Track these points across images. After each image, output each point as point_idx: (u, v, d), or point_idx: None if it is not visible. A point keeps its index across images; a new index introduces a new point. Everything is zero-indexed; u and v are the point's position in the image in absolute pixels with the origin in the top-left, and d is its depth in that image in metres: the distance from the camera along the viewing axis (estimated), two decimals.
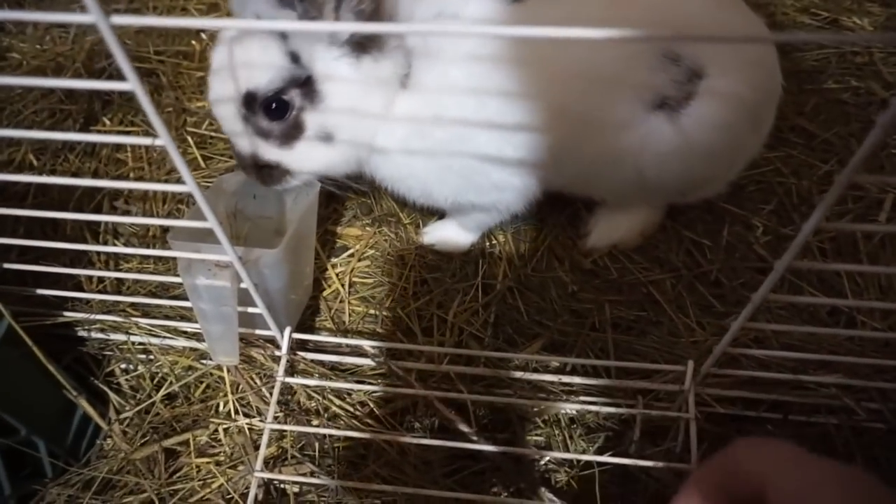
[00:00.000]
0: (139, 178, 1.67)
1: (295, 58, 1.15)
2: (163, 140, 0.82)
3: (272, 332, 1.26)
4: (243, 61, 1.15)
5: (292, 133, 1.20)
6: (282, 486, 1.28)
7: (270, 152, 1.22)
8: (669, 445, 1.33)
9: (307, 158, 1.24)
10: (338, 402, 1.36)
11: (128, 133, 1.72)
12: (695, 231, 1.60)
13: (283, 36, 1.14)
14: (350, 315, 1.51)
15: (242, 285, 1.12)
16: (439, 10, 1.21)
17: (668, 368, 1.26)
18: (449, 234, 1.60)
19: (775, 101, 1.41)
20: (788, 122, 1.75)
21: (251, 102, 1.16)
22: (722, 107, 1.26)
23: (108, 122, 1.73)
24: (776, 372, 1.25)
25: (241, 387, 1.35)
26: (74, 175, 1.62)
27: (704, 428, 1.33)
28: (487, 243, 1.63)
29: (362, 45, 1.16)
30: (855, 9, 2.11)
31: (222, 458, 1.31)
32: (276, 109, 1.17)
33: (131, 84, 0.74)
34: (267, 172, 1.25)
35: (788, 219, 1.58)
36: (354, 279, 1.57)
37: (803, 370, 1.24)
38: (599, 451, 1.35)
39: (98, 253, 1.48)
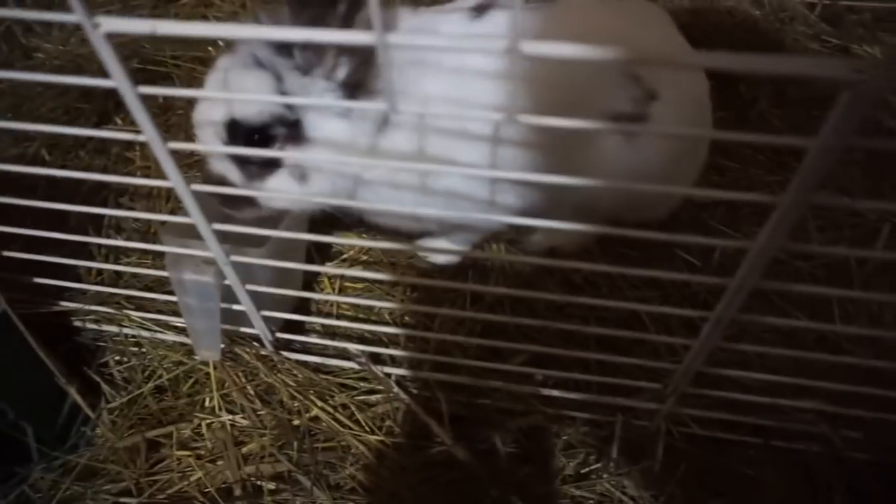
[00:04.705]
0: (146, 176, 1.72)
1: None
2: (146, 136, 0.86)
3: (257, 329, 1.29)
4: (235, 90, 1.17)
5: (268, 166, 1.21)
6: (257, 483, 1.30)
7: (243, 180, 1.23)
8: (648, 464, 1.33)
9: (277, 192, 1.24)
10: (320, 403, 1.38)
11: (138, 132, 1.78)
12: (687, 251, 1.60)
13: (279, 77, 1.16)
14: (339, 318, 1.54)
15: (227, 282, 1.15)
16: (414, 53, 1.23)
17: (644, 386, 1.26)
18: (440, 248, 1.63)
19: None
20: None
21: (234, 129, 1.18)
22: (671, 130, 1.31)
23: (119, 122, 1.80)
24: (758, 396, 1.25)
25: (226, 383, 1.38)
26: (84, 171, 1.67)
27: (685, 450, 1.33)
28: (480, 251, 1.65)
29: (353, 90, 1.19)
30: (867, 37, 2.11)
31: (203, 453, 1.33)
32: (259, 141, 1.18)
33: (116, 81, 0.78)
34: (231, 197, 1.25)
35: None
36: (346, 283, 1.60)
37: (782, 395, 1.23)
38: (578, 467, 1.35)
39: (99, 246, 1.53)
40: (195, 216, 0.98)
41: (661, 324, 1.48)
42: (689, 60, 0.59)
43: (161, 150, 0.87)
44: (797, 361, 1.26)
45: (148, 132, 0.84)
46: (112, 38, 0.73)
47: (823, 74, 0.55)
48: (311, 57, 1.15)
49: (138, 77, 1.82)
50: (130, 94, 0.78)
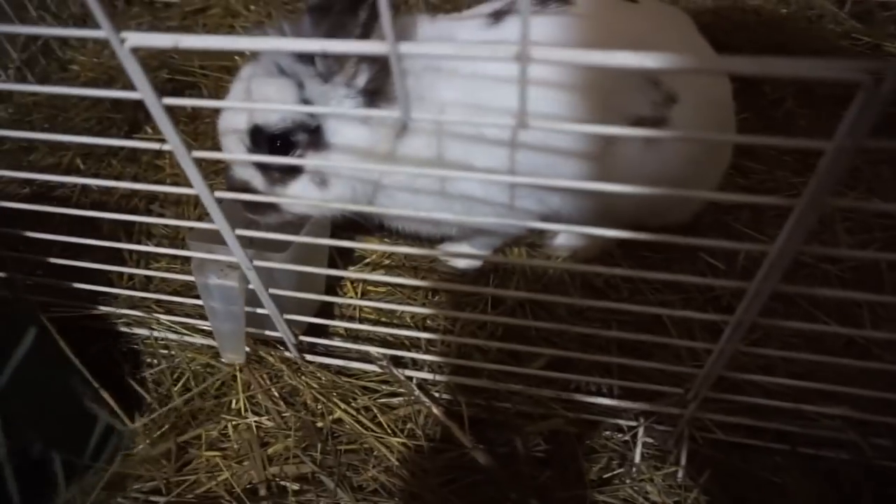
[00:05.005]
0: (175, 183, 1.76)
1: (308, 105, 1.20)
2: (170, 144, 0.89)
3: (281, 333, 1.31)
4: (258, 97, 1.20)
5: (290, 172, 1.24)
6: (282, 483, 1.32)
7: (265, 186, 1.26)
8: (671, 470, 1.31)
9: (298, 198, 1.27)
10: (343, 405, 1.40)
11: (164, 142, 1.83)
12: (710, 254, 1.58)
13: (301, 84, 1.20)
14: (361, 322, 1.56)
15: (251, 286, 1.18)
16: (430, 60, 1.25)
17: (666, 390, 1.25)
18: (461, 252, 1.64)
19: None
20: None
21: (257, 135, 1.21)
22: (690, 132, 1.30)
23: (150, 130, 1.85)
24: (782, 401, 1.22)
25: (252, 386, 1.41)
26: (116, 179, 1.73)
27: (709, 455, 1.31)
28: (501, 256, 1.65)
29: (373, 96, 1.21)
30: None
31: (229, 454, 1.36)
32: (281, 147, 1.22)
33: (142, 94, 0.81)
34: (255, 202, 1.28)
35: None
36: (368, 287, 1.62)
37: (808, 400, 1.21)
38: (600, 472, 1.34)
39: (130, 252, 1.58)
40: (219, 222, 1.01)
41: (683, 327, 1.46)
42: (692, 64, 0.59)
43: (185, 159, 0.89)
44: (824, 366, 1.24)
45: (172, 141, 0.87)
46: (137, 51, 0.75)
47: (834, 76, 0.55)
48: (331, 64, 1.18)
49: (167, 87, 1.88)
50: (155, 105, 0.81)
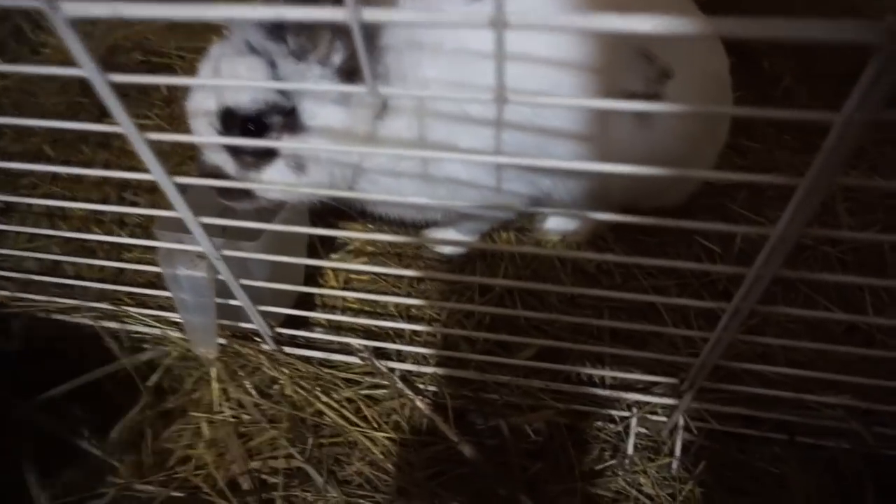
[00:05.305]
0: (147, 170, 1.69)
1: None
2: (122, 127, 0.82)
3: (256, 325, 1.25)
4: (227, 77, 1.12)
5: (265, 156, 1.16)
6: (265, 477, 1.27)
7: (238, 171, 1.18)
8: (665, 461, 1.27)
9: (274, 183, 1.18)
10: (325, 398, 1.35)
11: (142, 127, 1.75)
12: (706, 237, 1.52)
13: (272, 63, 1.11)
14: (343, 311, 1.50)
15: (221, 277, 1.12)
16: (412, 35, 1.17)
17: (659, 380, 1.20)
18: (447, 238, 1.58)
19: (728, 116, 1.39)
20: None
21: (228, 119, 1.13)
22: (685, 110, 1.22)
23: None
24: (781, 391, 1.18)
25: (229, 379, 1.35)
26: (86, 165, 1.66)
27: (704, 446, 1.27)
28: (489, 242, 1.59)
29: (350, 76, 1.13)
30: None
31: (209, 448, 1.31)
32: (254, 130, 1.13)
33: (86, 70, 0.74)
34: (228, 188, 1.20)
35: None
36: (351, 276, 1.56)
37: (809, 389, 1.16)
38: (592, 464, 1.30)
39: (100, 243, 1.51)
40: (181, 210, 0.94)
41: (678, 313, 1.41)
42: (686, 29, 0.53)
43: (138, 142, 0.83)
44: (825, 353, 1.19)
45: (123, 123, 0.80)
46: (90, 25, 0.68)
47: (849, 38, 0.48)
48: (304, 42, 1.10)
49: (140, 69, 1.78)
50: (100, 83, 0.74)
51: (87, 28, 2.12)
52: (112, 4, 0.65)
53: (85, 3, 0.66)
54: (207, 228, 1.01)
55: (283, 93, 1.13)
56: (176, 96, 1.85)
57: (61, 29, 0.68)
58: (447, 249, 1.58)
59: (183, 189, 0.95)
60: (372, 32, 1.18)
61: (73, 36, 0.68)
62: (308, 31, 1.09)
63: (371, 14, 0.59)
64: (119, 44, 1.95)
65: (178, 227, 1.16)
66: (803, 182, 0.64)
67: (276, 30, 1.11)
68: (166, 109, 1.84)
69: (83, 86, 1.83)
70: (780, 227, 0.71)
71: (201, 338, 1.20)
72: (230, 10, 0.67)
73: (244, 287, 1.15)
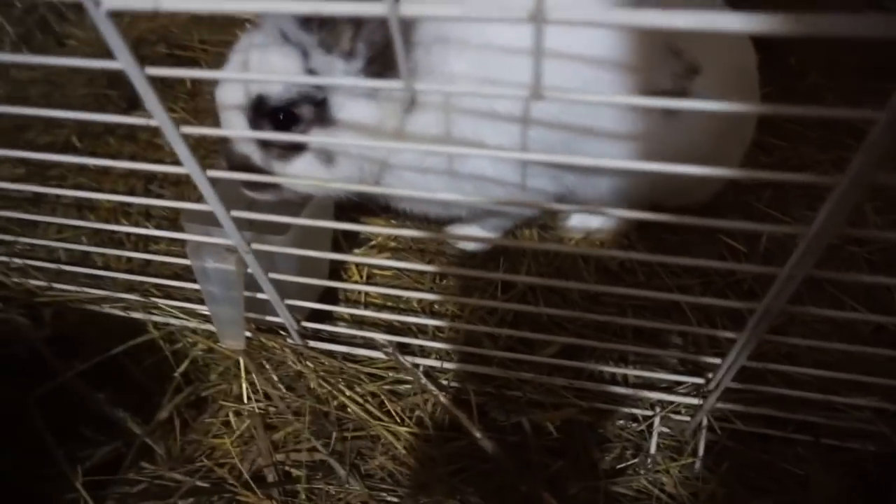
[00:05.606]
0: (174, 162, 1.71)
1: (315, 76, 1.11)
2: (157, 120, 0.83)
3: (282, 318, 1.26)
4: (260, 66, 1.12)
5: (294, 148, 1.16)
6: (289, 469, 1.28)
7: (266, 162, 1.18)
8: (688, 461, 1.26)
9: (303, 176, 1.19)
10: (348, 392, 1.35)
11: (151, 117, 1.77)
12: (731, 236, 1.51)
13: (305, 53, 1.11)
14: (367, 306, 1.50)
15: (250, 270, 1.13)
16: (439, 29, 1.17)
17: (684, 380, 1.19)
18: (470, 234, 1.58)
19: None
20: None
21: (260, 107, 1.13)
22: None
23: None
24: (807, 391, 1.16)
25: (255, 371, 1.37)
26: (113, 157, 1.68)
27: (727, 446, 1.26)
28: (512, 239, 1.59)
29: (381, 71, 1.13)
30: None
31: (235, 440, 1.32)
32: (284, 120, 1.13)
33: (123, 63, 0.75)
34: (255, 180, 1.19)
35: None
36: (374, 271, 1.56)
37: (835, 390, 1.14)
38: (614, 462, 1.29)
39: (128, 234, 1.53)
40: (213, 203, 0.95)
41: (702, 313, 1.40)
42: (725, 24, 0.52)
43: (173, 135, 0.84)
44: (852, 354, 1.18)
45: (158, 116, 0.81)
46: (116, 17, 0.69)
47: (879, 34, 0.48)
48: (326, 35, 1.10)
49: (165, 62, 1.79)
50: (138, 76, 0.75)
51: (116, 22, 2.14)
52: None
53: None
54: (236, 221, 1.02)
55: (316, 84, 1.13)
56: (201, 89, 1.86)
57: (101, 22, 0.69)
58: (470, 246, 1.58)
59: (214, 182, 0.96)
60: (403, 28, 1.18)
61: (112, 29, 0.69)
62: (329, 25, 1.09)
63: (409, 8, 0.60)
64: (144, 37, 1.97)
65: (205, 219, 1.17)
66: (842, 180, 0.64)
67: (308, 20, 1.11)
68: (191, 103, 1.86)
69: (110, 78, 1.86)
70: (815, 227, 0.70)
71: (229, 330, 1.21)
72: (266, 3, 0.68)
73: (272, 281, 1.16)
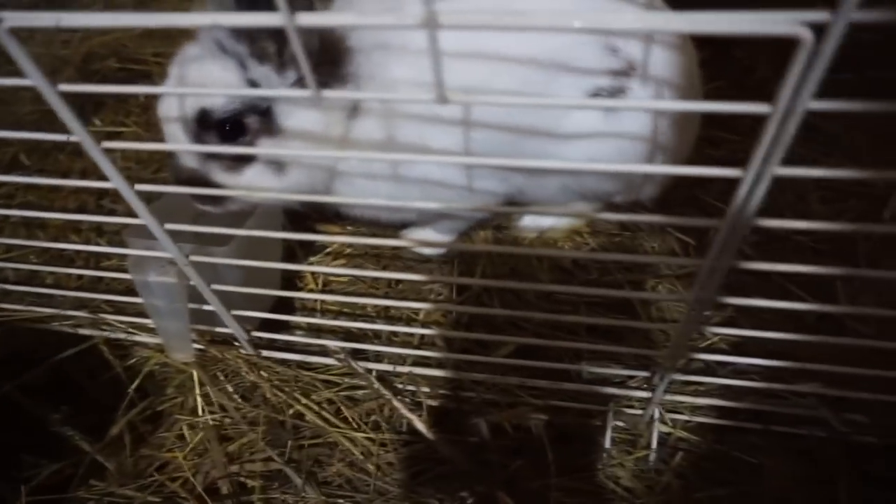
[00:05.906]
0: (127, 178, 1.69)
1: (254, 86, 1.11)
2: (77, 136, 0.83)
3: (231, 329, 1.26)
4: (201, 80, 1.11)
5: (243, 158, 1.16)
6: (244, 480, 1.27)
7: (216, 174, 1.17)
8: (642, 454, 1.27)
9: (254, 186, 1.18)
10: (304, 400, 1.35)
11: (119, 134, 1.75)
12: (682, 229, 1.52)
13: (244, 65, 1.11)
14: (323, 313, 1.50)
15: (193, 282, 1.12)
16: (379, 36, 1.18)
17: (634, 374, 1.20)
18: (425, 239, 1.58)
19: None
20: None
21: (205, 120, 1.12)
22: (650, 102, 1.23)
23: (98, 123, 1.77)
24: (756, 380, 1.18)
25: (208, 384, 1.36)
26: (64, 174, 1.66)
27: (680, 437, 1.27)
28: (467, 241, 1.60)
29: (324, 79, 1.12)
30: None
31: (188, 452, 1.31)
32: (231, 132, 1.13)
33: (33, 79, 0.75)
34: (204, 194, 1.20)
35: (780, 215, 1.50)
36: (329, 278, 1.56)
37: (783, 378, 1.16)
38: (571, 459, 1.30)
39: (77, 251, 1.51)
40: (144, 217, 0.95)
41: (656, 307, 1.41)
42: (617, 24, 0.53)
43: (94, 150, 0.83)
44: (798, 343, 1.19)
45: (77, 132, 0.80)
46: (18, 33, 0.69)
47: (767, 32, 0.49)
48: (256, 48, 1.09)
49: (118, 76, 1.77)
50: (50, 93, 0.74)
51: (64, 36, 2.12)
52: (56, 15, 0.66)
53: (28, 14, 0.67)
54: (179, 234, 1.01)
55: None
56: (153, 103, 1.84)
57: (5, 40, 0.68)
58: (426, 250, 1.58)
59: (155, 196, 0.95)
60: (339, 35, 1.18)
61: (16, 47, 0.69)
62: (255, 37, 1.08)
63: (306, 18, 0.60)
64: (95, 51, 1.95)
65: (148, 233, 1.16)
66: (747, 173, 0.65)
67: (241, 32, 1.11)
68: (143, 116, 1.84)
69: (62, 94, 1.83)
70: (729, 219, 0.71)
71: (176, 343, 1.20)
72: (171, 17, 0.68)
73: (216, 292, 1.16)
